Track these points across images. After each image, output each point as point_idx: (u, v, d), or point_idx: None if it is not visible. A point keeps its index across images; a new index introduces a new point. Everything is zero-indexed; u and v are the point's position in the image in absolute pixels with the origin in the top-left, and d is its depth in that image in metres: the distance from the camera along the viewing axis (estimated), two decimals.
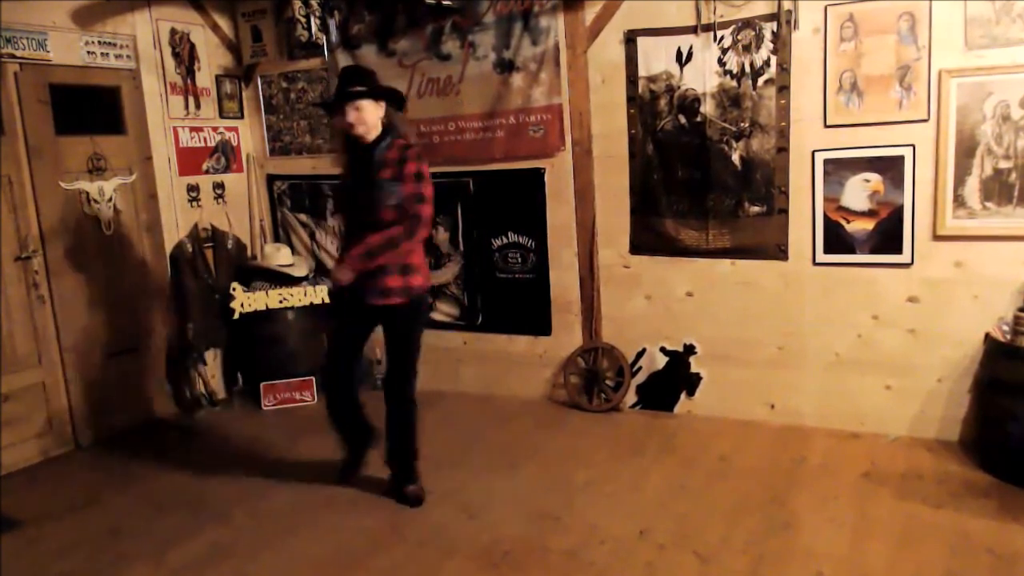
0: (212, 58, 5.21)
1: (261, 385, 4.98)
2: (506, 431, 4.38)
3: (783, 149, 3.98)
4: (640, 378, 4.56)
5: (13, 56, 4.09)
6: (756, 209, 4.09)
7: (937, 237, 3.74)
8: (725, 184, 4.13)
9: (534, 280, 4.76)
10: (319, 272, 5.41)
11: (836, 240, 3.95)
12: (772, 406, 4.25)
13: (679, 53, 4.11)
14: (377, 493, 3.65)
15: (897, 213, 3.80)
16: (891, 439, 3.94)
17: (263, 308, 5.04)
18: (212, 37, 5.23)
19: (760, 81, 3.96)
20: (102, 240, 4.57)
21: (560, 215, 4.60)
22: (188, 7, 5.05)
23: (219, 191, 5.29)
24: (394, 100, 3.48)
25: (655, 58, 4.18)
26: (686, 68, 4.11)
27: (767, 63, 3.93)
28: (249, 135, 5.50)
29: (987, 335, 3.64)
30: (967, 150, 3.61)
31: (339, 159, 3.83)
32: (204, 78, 5.16)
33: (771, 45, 3.91)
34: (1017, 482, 3.37)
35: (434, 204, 3.44)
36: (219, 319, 5.07)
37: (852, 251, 3.93)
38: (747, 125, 4.03)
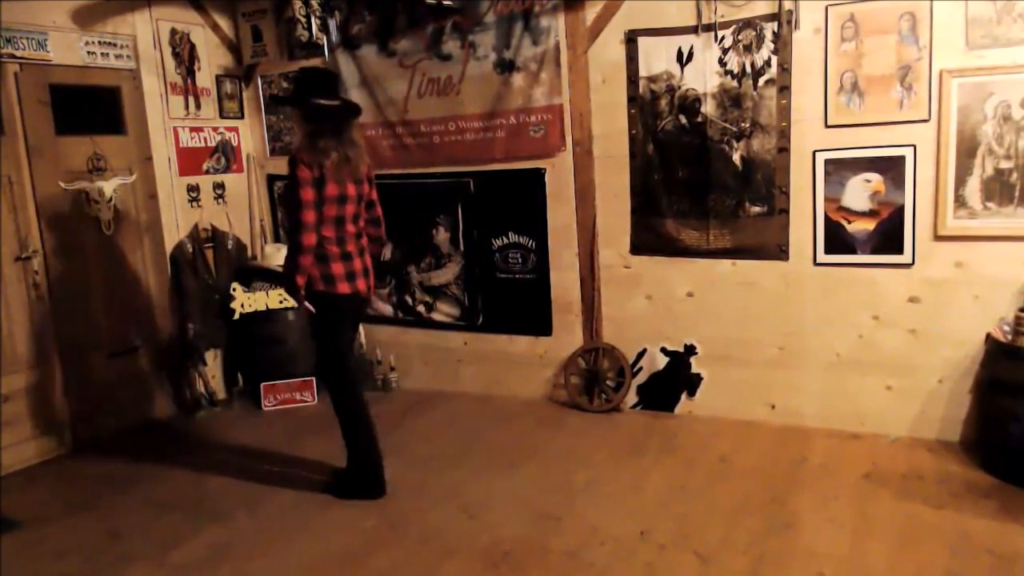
0: (212, 58, 5.21)
1: (261, 385, 4.98)
2: (506, 431, 4.38)
3: (784, 149, 3.98)
4: (641, 378, 4.56)
5: (13, 56, 4.09)
6: (757, 209, 4.09)
7: (938, 237, 3.73)
8: (726, 184, 4.13)
9: (535, 280, 4.75)
10: None
11: (837, 240, 3.95)
12: (773, 406, 4.25)
13: (680, 53, 4.11)
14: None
15: (898, 213, 3.80)
16: (892, 439, 3.93)
17: (263, 308, 5.05)
18: (212, 37, 5.23)
19: (761, 81, 3.96)
20: (102, 240, 4.56)
21: (561, 215, 4.60)
22: (188, 7, 5.05)
23: (219, 191, 5.29)
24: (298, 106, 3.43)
25: (656, 58, 4.17)
26: (687, 68, 4.11)
27: (768, 63, 3.93)
28: (249, 135, 5.50)
29: (988, 335, 3.64)
30: (968, 150, 3.61)
31: None
32: (204, 78, 5.16)
33: (772, 45, 3.91)
34: (1018, 482, 3.37)
35: (314, 208, 3.28)
36: (219, 319, 5.07)
37: (853, 251, 3.92)
38: (748, 125, 4.02)
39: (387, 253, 5.19)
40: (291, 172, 3.30)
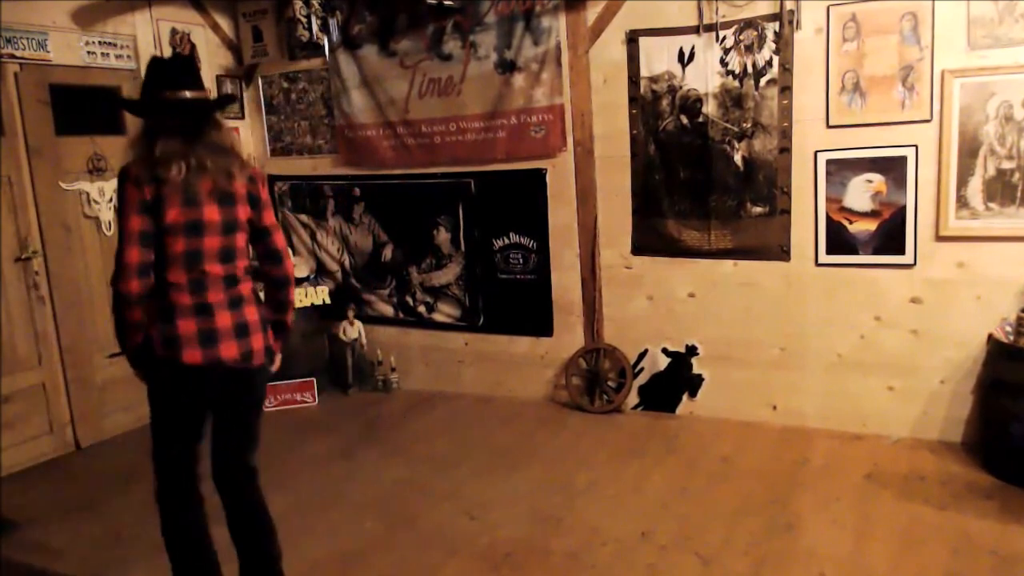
0: (213, 58, 5.20)
1: None
2: (507, 432, 4.37)
3: (785, 149, 3.97)
4: (642, 379, 4.55)
5: (13, 56, 4.08)
6: (758, 210, 4.08)
7: (940, 238, 3.73)
8: (727, 185, 4.12)
9: (536, 281, 4.74)
10: (320, 273, 5.41)
11: (838, 241, 3.94)
12: (774, 407, 4.24)
13: (681, 53, 4.10)
14: (378, 495, 3.65)
15: (900, 214, 3.79)
16: (893, 440, 3.92)
17: None
18: (213, 37, 5.22)
19: (762, 81, 3.95)
20: (102, 241, 4.56)
21: (562, 216, 4.59)
22: (189, 7, 5.05)
23: None
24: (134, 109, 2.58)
25: (657, 58, 4.17)
26: (688, 68, 4.10)
27: (769, 63, 3.92)
28: (250, 135, 5.49)
29: (990, 336, 3.63)
30: (970, 151, 3.60)
31: None
32: (204, 78, 5.11)
33: (773, 45, 3.90)
34: (1020, 483, 3.36)
35: (139, 243, 2.28)
36: None
37: (855, 252, 3.92)
38: (749, 125, 4.02)
39: (387, 254, 5.18)
40: (118, 190, 2.34)
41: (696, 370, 4.40)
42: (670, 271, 4.37)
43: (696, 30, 4.03)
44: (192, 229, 2.35)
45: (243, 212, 2.47)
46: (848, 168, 3.86)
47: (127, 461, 4.24)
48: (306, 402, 5.02)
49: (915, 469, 3.60)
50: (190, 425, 2.48)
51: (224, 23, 5.29)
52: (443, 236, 4.98)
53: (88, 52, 4.45)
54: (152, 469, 2.51)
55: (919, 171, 3.72)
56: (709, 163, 4.13)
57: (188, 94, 2.41)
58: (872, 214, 3.85)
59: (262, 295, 2.67)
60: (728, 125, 4.07)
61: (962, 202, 3.65)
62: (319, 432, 4.48)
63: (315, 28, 4.87)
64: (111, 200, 4.56)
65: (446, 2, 4.52)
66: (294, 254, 5.38)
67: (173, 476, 2.51)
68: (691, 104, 4.13)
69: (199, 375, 2.39)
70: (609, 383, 4.61)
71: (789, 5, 3.82)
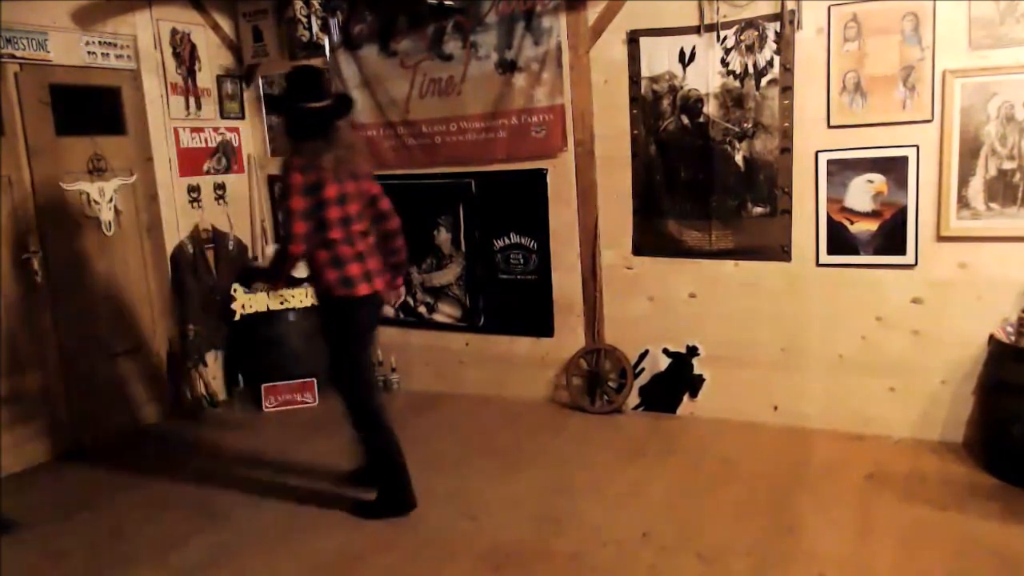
0: (213, 58, 5.20)
1: (262, 387, 4.97)
2: (508, 433, 4.37)
3: (786, 150, 3.97)
4: (643, 380, 4.55)
5: (13, 56, 4.08)
6: (759, 210, 4.08)
7: (941, 238, 3.72)
8: (728, 185, 4.12)
9: (536, 281, 4.74)
10: None
11: (840, 241, 3.94)
12: (775, 408, 4.23)
13: (682, 53, 4.10)
14: None
15: (901, 214, 3.79)
16: (895, 441, 3.92)
17: (264, 309, 5.03)
18: (213, 37, 5.21)
19: (763, 81, 3.95)
20: (102, 241, 4.55)
21: (562, 216, 4.59)
22: (189, 7, 5.04)
23: (220, 192, 5.27)
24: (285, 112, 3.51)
25: (658, 58, 4.16)
26: (689, 68, 4.10)
27: (770, 63, 3.92)
28: (250, 136, 5.49)
29: (991, 336, 3.63)
30: (971, 151, 3.60)
31: None
32: (205, 78, 5.14)
33: (774, 45, 3.90)
34: (1021, 484, 3.35)
35: (303, 218, 3.15)
36: (220, 320, 5.06)
37: (856, 252, 3.91)
38: (750, 126, 4.01)
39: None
40: (283, 178, 3.21)
41: (697, 370, 4.40)
42: (671, 271, 4.36)
43: (697, 30, 4.03)
44: (341, 199, 3.22)
45: (366, 185, 3.37)
46: (849, 168, 3.86)
47: (127, 461, 4.24)
48: (307, 402, 5.01)
49: (916, 470, 3.60)
50: (367, 341, 3.46)
51: (224, 23, 5.28)
52: (443, 236, 4.98)
53: (88, 52, 4.45)
54: (346, 377, 3.37)
55: (920, 171, 3.71)
56: (710, 163, 4.13)
57: (322, 104, 3.24)
58: (873, 214, 3.85)
59: None
60: (729, 125, 4.06)
61: (963, 202, 3.65)
62: (320, 432, 4.47)
63: (315, 28, 4.86)
64: (111, 200, 4.56)
65: (447, 2, 4.51)
66: None
67: (363, 376, 3.44)
68: (692, 104, 4.13)
69: (369, 303, 3.33)
70: (610, 384, 4.61)
71: (790, 5, 3.82)
